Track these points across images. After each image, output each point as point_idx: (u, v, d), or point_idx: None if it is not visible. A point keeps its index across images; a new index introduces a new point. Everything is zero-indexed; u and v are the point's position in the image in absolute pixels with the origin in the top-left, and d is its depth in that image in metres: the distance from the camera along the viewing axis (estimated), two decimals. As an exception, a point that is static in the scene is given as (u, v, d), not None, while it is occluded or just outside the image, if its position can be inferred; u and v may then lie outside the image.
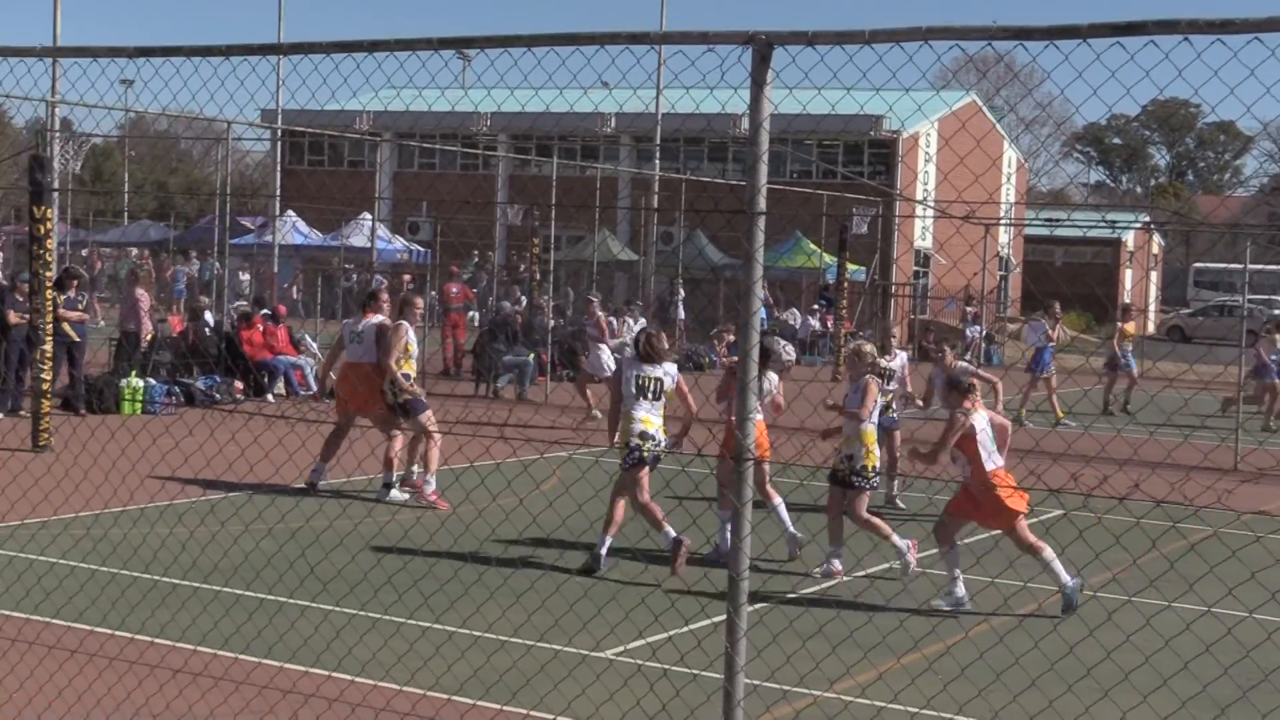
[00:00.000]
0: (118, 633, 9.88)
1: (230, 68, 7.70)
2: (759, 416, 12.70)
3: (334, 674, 9.18)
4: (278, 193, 48.07)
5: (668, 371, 12.89)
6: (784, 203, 37.88)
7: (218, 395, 24.23)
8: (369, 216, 40.71)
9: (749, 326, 6.08)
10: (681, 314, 42.58)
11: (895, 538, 12.69)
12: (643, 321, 34.85)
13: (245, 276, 44.73)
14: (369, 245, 37.17)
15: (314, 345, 27.93)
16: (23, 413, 21.14)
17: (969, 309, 40.29)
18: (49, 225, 18.98)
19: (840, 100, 8.16)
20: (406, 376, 15.72)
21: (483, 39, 6.87)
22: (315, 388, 24.49)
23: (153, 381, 23.19)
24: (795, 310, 43.63)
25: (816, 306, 43.88)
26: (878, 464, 12.95)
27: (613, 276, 49.11)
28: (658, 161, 47.29)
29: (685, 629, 10.23)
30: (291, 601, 10.87)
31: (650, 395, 12.70)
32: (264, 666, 9.25)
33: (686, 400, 13.38)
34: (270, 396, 25.16)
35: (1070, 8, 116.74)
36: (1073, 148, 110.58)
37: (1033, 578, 11.15)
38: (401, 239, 47.82)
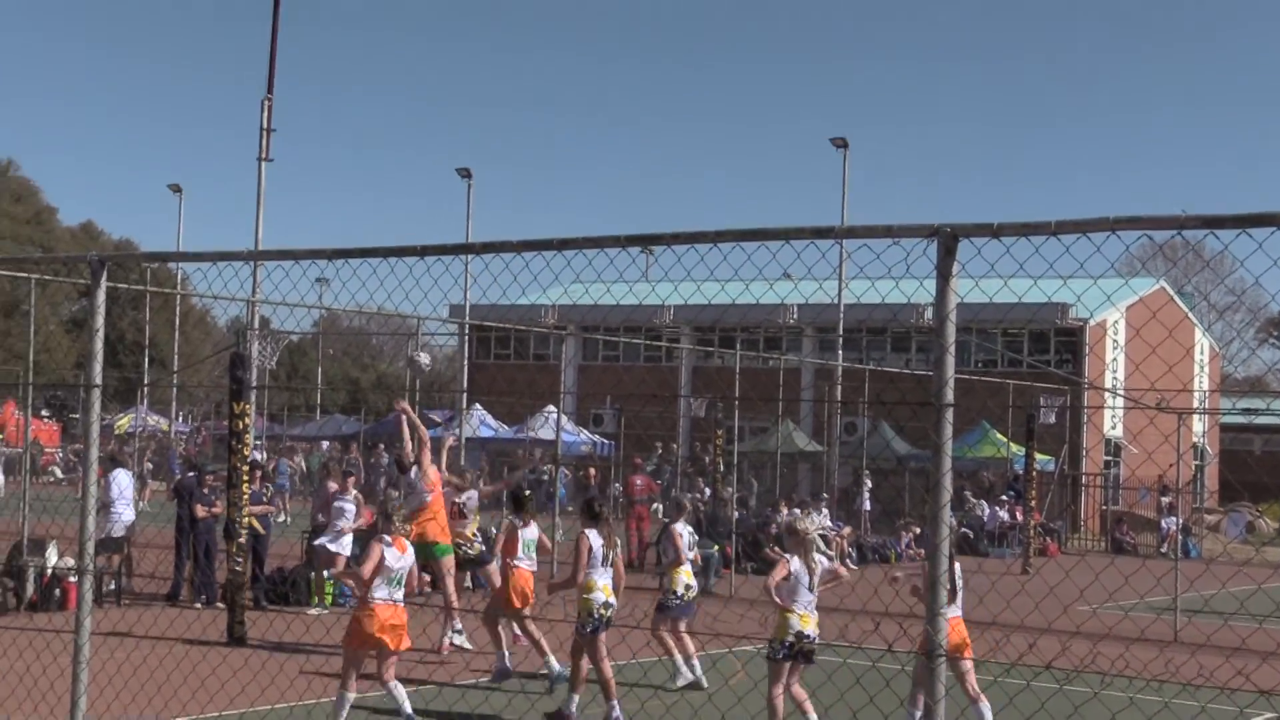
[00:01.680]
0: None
1: (424, 267, 7.96)
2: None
3: None
4: (464, 387, 48.95)
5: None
6: (971, 393, 37.61)
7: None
8: (554, 409, 41.23)
9: (938, 519, 6.03)
10: (867, 505, 42.17)
11: None
12: (826, 514, 34.59)
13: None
14: (554, 438, 37.57)
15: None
16: (219, 605, 21.60)
17: (1164, 500, 39.29)
18: (247, 420, 19.57)
19: (1027, 290, 8.16)
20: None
21: (669, 235, 7.02)
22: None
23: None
24: (983, 501, 42.96)
25: (1005, 497, 43.18)
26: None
27: (797, 468, 48.92)
28: (840, 352, 47.32)
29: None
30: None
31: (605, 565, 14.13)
32: None
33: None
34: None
35: (1260, 193, 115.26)
36: (1269, 334, 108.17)
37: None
38: (586, 431, 48.27)
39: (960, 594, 13.11)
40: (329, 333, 73.77)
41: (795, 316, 55.92)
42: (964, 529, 39.66)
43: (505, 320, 48.74)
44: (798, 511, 18.14)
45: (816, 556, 13.26)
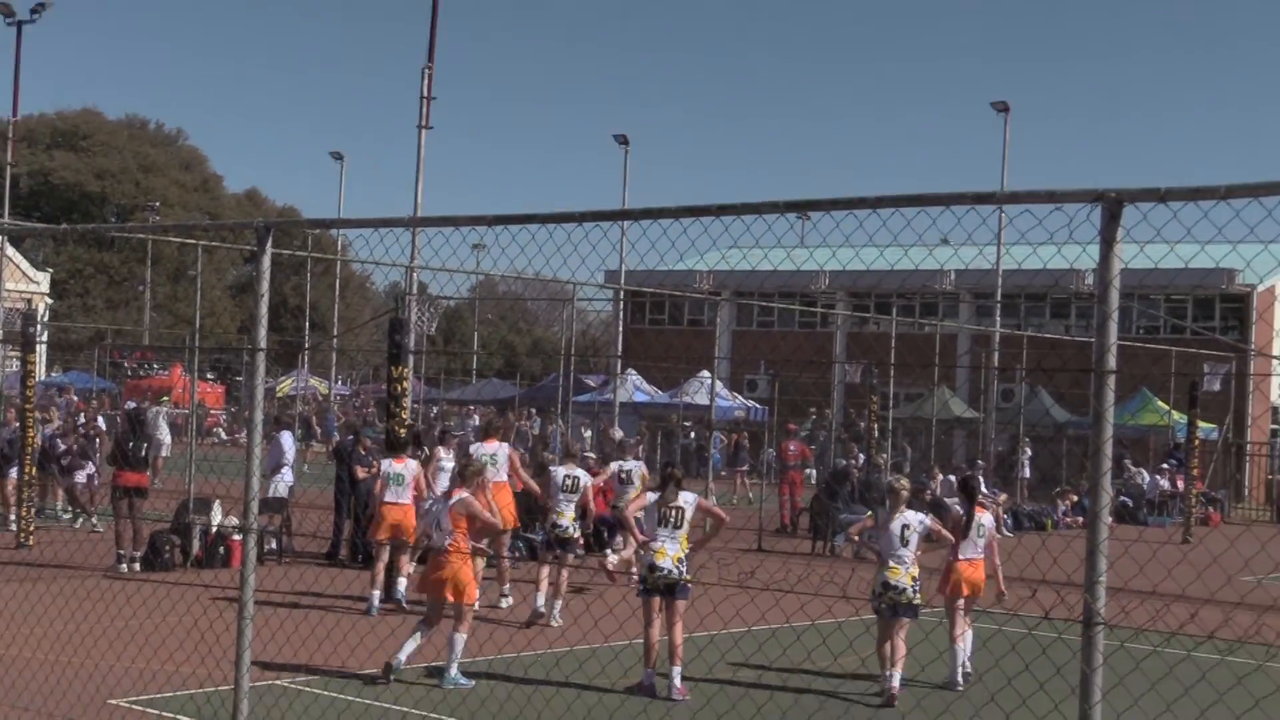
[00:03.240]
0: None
1: (583, 232, 8.00)
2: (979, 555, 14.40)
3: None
4: (619, 352, 49.22)
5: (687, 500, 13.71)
6: (1133, 360, 36.96)
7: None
8: (708, 374, 41.27)
9: (1099, 487, 5.95)
10: (1026, 473, 41.69)
11: None
12: (983, 482, 34.24)
13: (587, 434, 45.75)
14: (708, 403, 37.64)
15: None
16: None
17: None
18: (405, 384, 19.86)
19: (1194, 256, 7.99)
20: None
21: (827, 201, 6.99)
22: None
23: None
24: (1144, 470, 42.22)
25: (1166, 466, 42.38)
26: None
27: (952, 434, 48.49)
28: (998, 318, 46.74)
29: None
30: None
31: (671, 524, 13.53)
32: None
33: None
34: (610, 552, 25.50)
35: None
36: None
37: None
38: (740, 396, 48.24)
39: (982, 541, 14.32)
40: (486, 298, 74.51)
41: (953, 282, 55.32)
42: (1124, 497, 39.04)
43: (661, 285, 48.84)
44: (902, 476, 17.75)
45: (912, 515, 13.86)
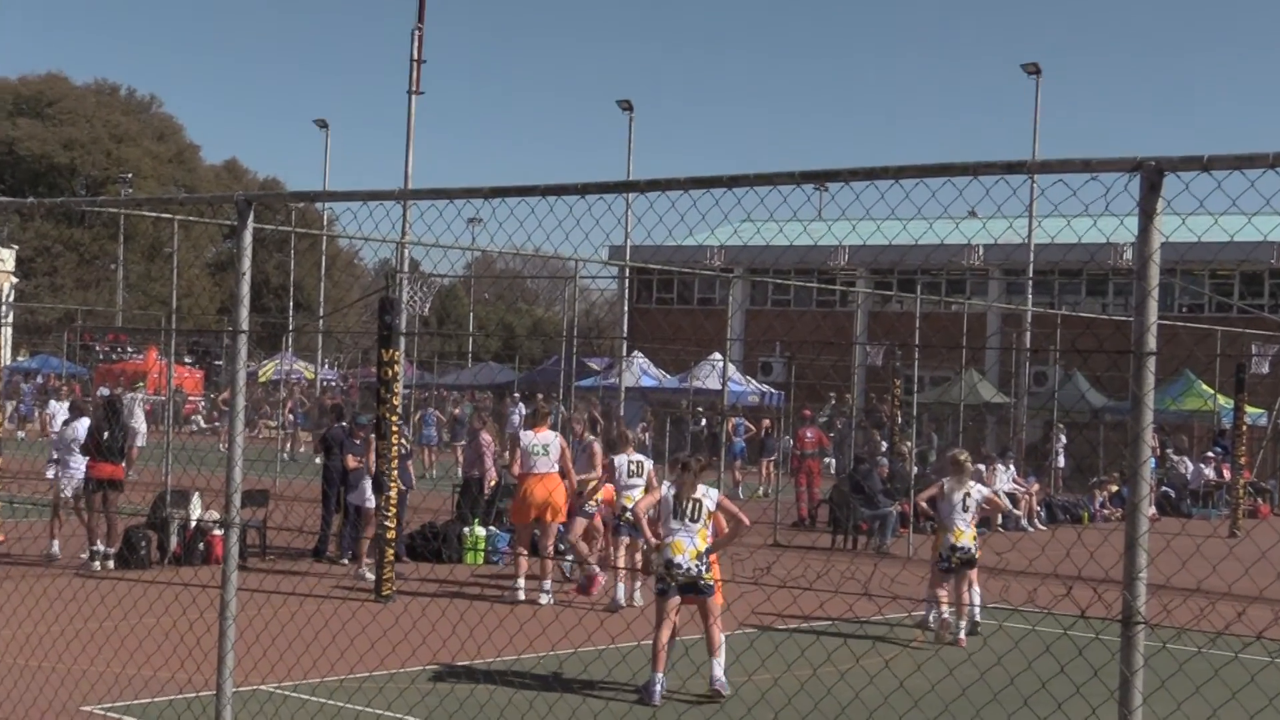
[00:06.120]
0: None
1: (586, 205, 7.99)
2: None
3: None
4: (624, 333, 49.20)
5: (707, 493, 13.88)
6: (1175, 340, 36.94)
7: (560, 545, 24.72)
8: (720, 357, 41.27)
9: (1138, 476, 5.96)
10: (1061, 462, 41.66)
11: None
12: (1013, 470, 34.26)
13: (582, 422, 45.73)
14: (719, 388, 37.65)
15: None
16: (367, 561, 22.07)
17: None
18: (397, 369, 19.84)
19: (1241, 229, 7.97)
20: None
21: (847, 171, 6.98)
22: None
23: (495, 530, 23.82)
24: (1187, 458, 42.21)
25: (1211, 454, 42.37)
26: None
27: (982, 421, 48.50)
28: (1030, 295, 46.72)
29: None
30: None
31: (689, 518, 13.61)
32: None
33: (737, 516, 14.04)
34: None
35: None
36: None
37: None
38: (754, 380, 48.23)
39: (971, 514, 17.37)
40: (482, 276, 74.53)
41: (981, 257, 55.28)
42: (1165, 487, 39.04)
43: (669, 262, 48.83)
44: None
45: (973, 484, 17.48)
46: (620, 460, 19.78)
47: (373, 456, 19.95)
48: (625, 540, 19.68)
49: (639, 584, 19.17)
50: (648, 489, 18.45)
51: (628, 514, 19.28)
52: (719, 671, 13.37)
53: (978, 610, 17.64)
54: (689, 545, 13.46)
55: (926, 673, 12.51)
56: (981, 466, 30.19)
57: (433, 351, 65.52)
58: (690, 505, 13.56)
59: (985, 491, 17.84)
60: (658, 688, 13.21)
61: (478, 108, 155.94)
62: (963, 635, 16.90)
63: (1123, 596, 5.97)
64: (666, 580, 13.41)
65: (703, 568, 13.44)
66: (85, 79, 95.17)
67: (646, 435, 44.83)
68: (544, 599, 19.06)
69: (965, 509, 17.23)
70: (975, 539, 17.35)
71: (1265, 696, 11.31)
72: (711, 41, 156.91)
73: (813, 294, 58.73)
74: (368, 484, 20.81)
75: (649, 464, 20.17)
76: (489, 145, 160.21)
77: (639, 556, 19.41)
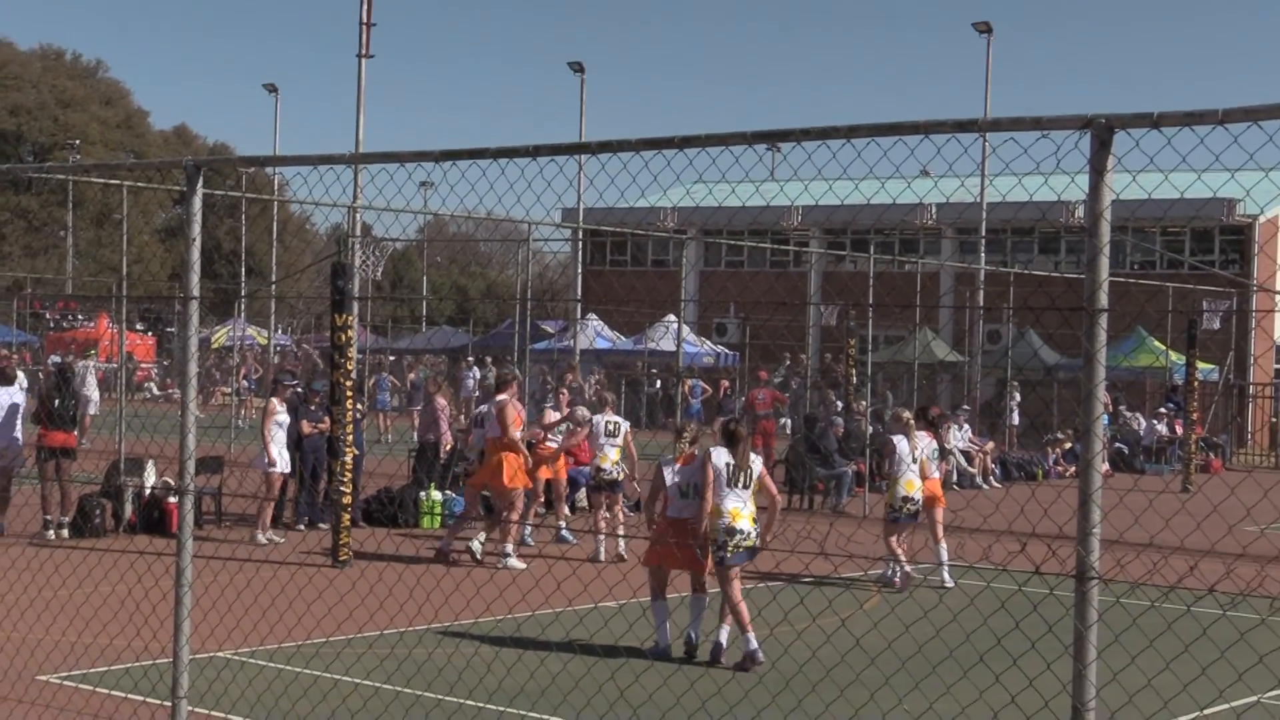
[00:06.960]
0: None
1: (537, 168, 7.99)
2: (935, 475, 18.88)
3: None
4: (578, 295, 49.18)
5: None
6: (1126, 297, 37.14)
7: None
8: (674, 319, 41.28)
9: (1091, 433, 6.00)
10: (1014, 419, 41.88)
11: None
12: (968, 429, 34.43)
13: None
14: (674, 349, 37.69)
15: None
16: (322, 526, 22.05)
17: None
18: (350, 334, 19.80)
19: (1190, 185, 8.02)
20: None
21: (799, 131, 6.99)
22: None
23: (452, 494, 23.81)
24: (1139, 414, 42.49)
25: (1164, 410, 42.70)
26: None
27: (936, 379, 48.70)
28: (983, 254, 46.85)
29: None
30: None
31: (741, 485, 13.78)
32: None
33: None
34: (567, 509, 25.53)
35: None
36: None
37: None
38: (709, 342, 48.27)
39: (935, 463, 18.95)
40: (435, 239, 74.30)
41: (934, 216, 55.40)
42: (1118, 444, 39.31)
43: (622, 224, 48.75)
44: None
45: (921, 435, 18.44)
46: (598, 420, 20.69)
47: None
48: (605, 497, 20.81)
49: (622, 545, 19.79)
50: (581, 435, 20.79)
51: (601, 473, 20.64)
52: (756, 643, 13.43)
53: (945, 564, 18.32)
54: (745, 511, 13.67)
55: (883, 630, 12.57)
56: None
57: (386, 316, 65.38)
58: (743, 474, 13.71)
59: (934, 445, 18.97)
60: (756, 647, 13.33)
61: (428, 71, 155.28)
62: (947, 578, 18.02)
63: (1076, 552, 6.02)
64: (727, 548, 13.52)
65: (755, 532, 13.73)
66: (30, 44, 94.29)
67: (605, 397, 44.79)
68: (502, 563, 19.09)
69: (914, 461, 18.21)
70: (919, 490, 18.20)
71: (1217, 649, 11.42)
72: (663, 2, 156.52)
73: (766, 255, 58.77)
74: (273, 450, 21.21)
75: (625, 425, 20.91)
76: (440, 109, 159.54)
77: (618, 513, 21.00)
